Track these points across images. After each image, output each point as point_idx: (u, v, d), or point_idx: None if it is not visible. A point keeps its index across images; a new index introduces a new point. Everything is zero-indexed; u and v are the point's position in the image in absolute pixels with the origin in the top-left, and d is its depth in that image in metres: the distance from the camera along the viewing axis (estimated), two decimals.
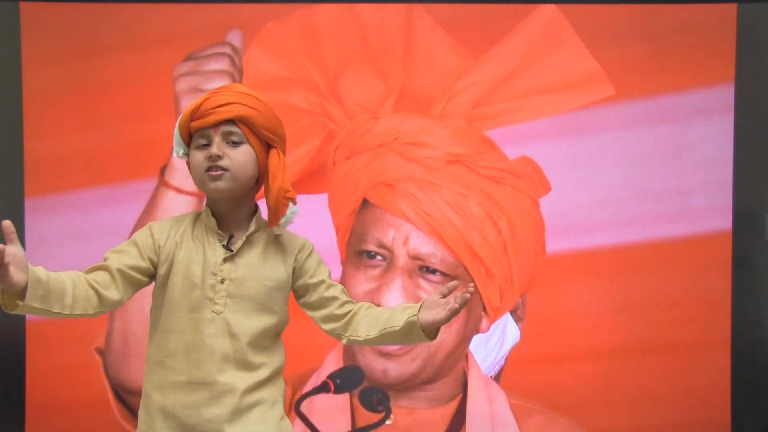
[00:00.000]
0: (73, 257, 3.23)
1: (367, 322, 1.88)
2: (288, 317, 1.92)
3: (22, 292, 1.61)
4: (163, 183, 3.20)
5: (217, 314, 1.80)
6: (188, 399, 1.80)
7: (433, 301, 1.83)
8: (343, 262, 3.23)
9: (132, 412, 3.22)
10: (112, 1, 3.25)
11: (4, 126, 3.30)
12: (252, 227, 1.86)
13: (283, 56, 3.25)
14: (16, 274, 1.58)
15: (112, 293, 1.79)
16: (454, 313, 1.79)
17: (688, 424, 3.33)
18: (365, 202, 3.20)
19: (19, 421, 3.26)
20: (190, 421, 1.80)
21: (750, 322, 3.33)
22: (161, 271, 1.83)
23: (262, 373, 1.84)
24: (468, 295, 1.77)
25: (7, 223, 1.58)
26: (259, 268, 1.84)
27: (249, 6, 3.27)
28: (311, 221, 3.20)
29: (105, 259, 1.84)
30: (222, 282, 1.81)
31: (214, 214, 1.86)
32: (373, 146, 3.22)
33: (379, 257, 3.17)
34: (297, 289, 1.93)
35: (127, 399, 3.23)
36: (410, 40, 3.26)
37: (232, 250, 1.83)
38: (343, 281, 3.22)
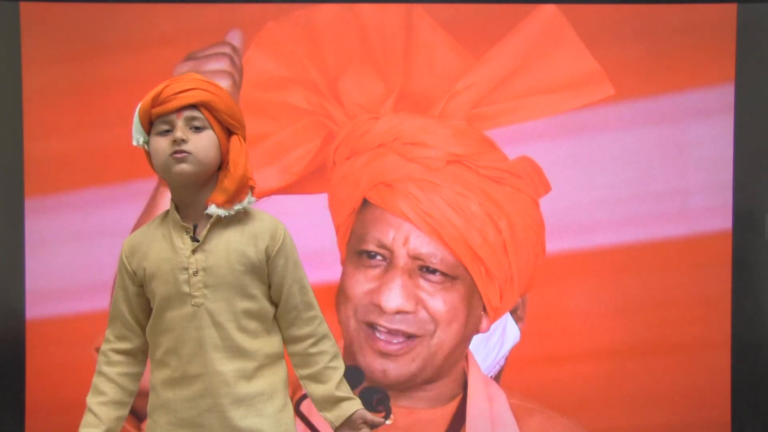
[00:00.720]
0: (73, 257, 3.24)
1: (311, 377, 1.91)
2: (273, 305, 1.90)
3: None
4: (163, 183, 3.20)
5: (198, 307, 1.80)
6: (186, 393, 1.81)
7: (355, 423, 1.89)
8: (343, 262, 3.24)
9: (132, 412, 3.21)
10: (112, 1, 3.25)
11: (4, 126, 3.30)
12: (212, 209, 1.82)
13: (283, 56, 3.25)
14: None
15: (134, 341, 1.89)
16: None
17: (688, 424, 3.33)
18: (365, 202, 3.20)
19: (19, 421, 3.27)
20: (189, 414, 1.82)
21: (750, 322, 3.33)
22: (144, 281, 1.86)
23: (257, 361, 1.84)
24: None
25: None
26: (228, 252, 1.82)
27: (249, 6, 3.26)
28: (311, 221, 3.20)
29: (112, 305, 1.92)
30: (195, 274, 1.80)
31: (179, 206, 1.85)
32: (373, 146, 3.22)
33: (379, 257, 3.17)
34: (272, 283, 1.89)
35: None
36: (410, 40, 3.26)
37: (198, 240, 1.82)
38: (343, 281, 3.22)
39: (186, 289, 1.80)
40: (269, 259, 1.85)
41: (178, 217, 1.84)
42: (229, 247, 1.82)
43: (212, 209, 1.79)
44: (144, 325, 1.88)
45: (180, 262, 1.81)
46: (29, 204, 3.25)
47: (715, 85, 3.29)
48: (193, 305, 1.80)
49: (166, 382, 1.84)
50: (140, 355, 1.90)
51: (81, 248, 3.23)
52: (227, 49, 3.23)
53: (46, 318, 3.25)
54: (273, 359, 1.88)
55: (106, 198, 3.24)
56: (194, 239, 1.82)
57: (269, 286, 1.88)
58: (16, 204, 3.26)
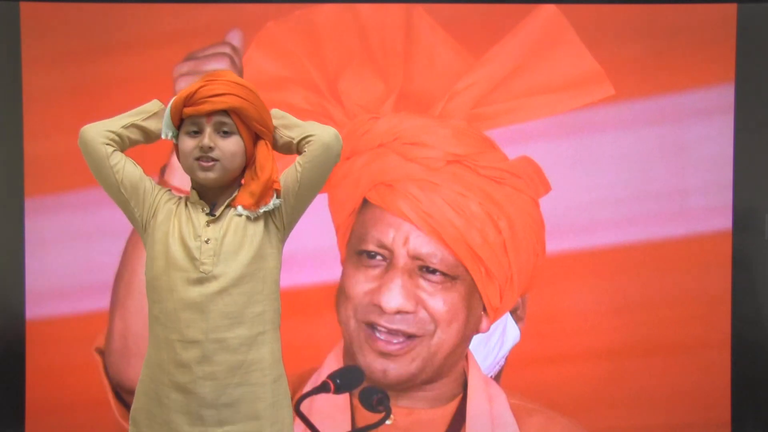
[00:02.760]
0: (73, 257, 3.23)
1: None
2: (281, 262, 1.94)
3: None
4: (163, 183, 3.20)
5: (206, 274, 1.84)
6: (181, 357, 1.84)
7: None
8: (343, 262, 3.24)
9: (126, 406, 3.22)
10: (112, 1, 3.25)
11: (4, 126, 3.30)
12: (234, 194, 1.90)
13: (283, 56, 3.25)
14: None
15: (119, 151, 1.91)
16: None
17: (688, 424, 3.33)
18: (365, 202, 3.20)
19: (19, 421, 3.27)
20: (183, 380, 1.84)
21: (750, 322, 3.33)
22: (150, 226, 1.90)
23: (259, 327, 1.87)
24: None
25: None
26: (240, 222, 1.88)
27: (249, 6, 3.27)
28: (311, 221, 3.20)
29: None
30: (207, 242, 1.85)
31: (199, 194, 1.92)
32: (373, 146, 3.22)
33: (379, 257, 3.17)
34: (295, 195, 1.91)
35: (127, 399, 3.23)
36: (410, 40, 3.26)
37: (215, 215, 1.88)
38: (343, 281, 3.22)
39: (197, 254, 1.84)
40: (282, 201, 1.90)
41: (197, 197, 1.90)
42: (242, 218, 1.87)
43: (240, 210, 1.86)
44: (126, 170, 1.90)
45: (195, 231, 1.86)
46: (29, 204, 3.25)
47: (715, 85, 3.29)
48: (201, 272, 1.84)
49: (161, 340, 1.86)
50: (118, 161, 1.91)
51: (81, 248, 3.23)
52: (227, 49, 3.23)
53: (46, 318, 3.25)
54: (271, 327, 1.91)
55: (106, 198, 3.17)
56: (210, 214, 1.88)
57: (290, 217, 1.92)
58: (16, 204, 3.26)
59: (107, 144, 1.88)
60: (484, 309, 3.21)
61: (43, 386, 3.26)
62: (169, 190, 1.96)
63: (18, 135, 3.25)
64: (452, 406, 3.25)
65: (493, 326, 3.23)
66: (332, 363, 3.23)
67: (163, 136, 1.91)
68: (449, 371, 3.23)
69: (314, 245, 3.18)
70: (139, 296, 3.13)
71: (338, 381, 3.15)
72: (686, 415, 3.32)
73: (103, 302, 3.23)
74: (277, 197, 1.88)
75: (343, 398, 3.21)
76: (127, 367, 3.22)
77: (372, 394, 3.18)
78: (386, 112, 3.25)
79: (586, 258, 3.28)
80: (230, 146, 1.85)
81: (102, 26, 3.24)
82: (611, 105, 3.27)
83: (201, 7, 3.25)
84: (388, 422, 3.21)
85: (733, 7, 3.28)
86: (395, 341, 3.17)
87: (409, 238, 3.16)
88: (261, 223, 1.89)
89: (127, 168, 1.90)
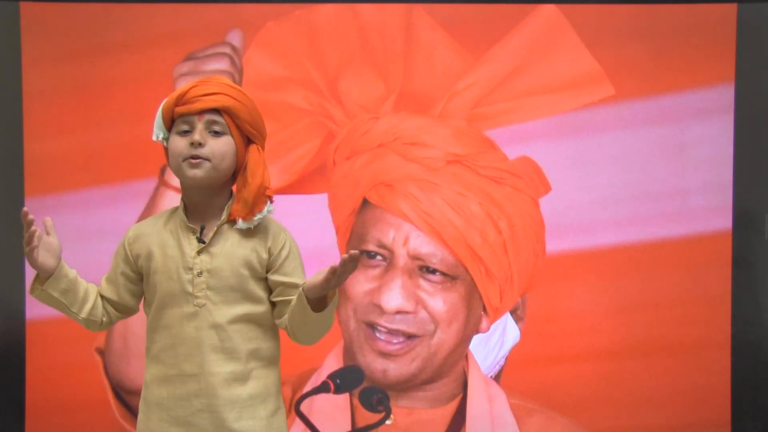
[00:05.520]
0: (73, 257, 3.18)
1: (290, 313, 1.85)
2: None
3: (47, 278, 1.80)
4: (163, 183, 3.20)
5: (200, 307, 1.81)
6: (180, 391, 1.82)
7: (319, 271, 1.73)
8: None
9: (132, 412, 3.22)
10: (112, 1, 3.25)
11: (4, 126, 3.30)
12: (224, 216, 1.84)
13: (283, 56, 3.25)
14: (43, 257, 1.80)
15: (111, 318, 1.94)
16: (334, 273, 1.68)
17: (688, 424, 3.33)
18: (365, 202, 3.20)
19: (19, 421, 3.27)
20: (183, 413, 1.83)
21: (750, 322, 3.33)
22: (144, 272, 1.88)
23: (252, 364, 1.85)
24: (355, 254, 1.67)
25: (47, 220, 1.87)
26: (234, 257, 1.83)
27: (249, 6, 3.27)
28: (311, 221, 3.21)
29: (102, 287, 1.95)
30: (199, 275, 1.82)
31: (188, 206, 1.87)
32: (373, 146, 3.22)
33: (379, 257, 3.17)
34: (270, 282, 1.88)
35: (127, 399, 3.23)
36: (410, 40, 3.26)
37: (204, 242, 1.83)
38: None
39: (189, 288, 1.82)
40: (271, 257, 1.86)
41: (185, 217, 1.86)
42: (234, 251, 1.84)
43: (240, 224, 1.82)
44: (126, 301, 1.91)
45: (185, 261, 1.82)
46: (29, 204, 3.24)
47: (715, 85, 3.29)
48: (195, 305, 1.81)
49: (160, 378, 1.84)
50: (118, 312, 1.93)
51: (81, 248, 3.22)
52: (227, 49, 3.23)
53: (46, 318, 3.25)
54: (268, 362, 1.88)
55: (106, 198, 3.24)
56: (200, 240, 1.83)
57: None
58: (16, 204, 3.25)
59: (104, 321, 1.92)
60: (484, 309, 3.21)
61: (43, 386, 3.26)
62: (125, 238, 1.93)
63: (18, 135, 3.25)
64: (452, 406, 3.25)
65: (493, 326, 3.23)
66: (332, 363, 3.23)
67: (154, 138, 1.88)
68: (449, 371, 3.23)
69: (314, 245, 3.17)
70: None
71: (338, 381, 3.15)
72: (686, 415, 3.32)
73: None
74: (270, 202, 1.84)
75: (343, 398, 3.21)
76: (127, 367, 3.22)
77: (372, 394, 3.18)
78: (386, 112, 3.25)
79: (586, 258, 3.28)
80: (221, 146, 1.80)
81: (102, 26, 3.24)
82: (611, 105, 3.27)
83: (201, 7, 3.25)
84: (388, 422, 3.21)
85: (733, 7, 3.28)
86: (395, 341, 3.17)
87: (409, 238, 3.16)
88: (253, 263, 1.84)
89: (126, 294, 1.92)
